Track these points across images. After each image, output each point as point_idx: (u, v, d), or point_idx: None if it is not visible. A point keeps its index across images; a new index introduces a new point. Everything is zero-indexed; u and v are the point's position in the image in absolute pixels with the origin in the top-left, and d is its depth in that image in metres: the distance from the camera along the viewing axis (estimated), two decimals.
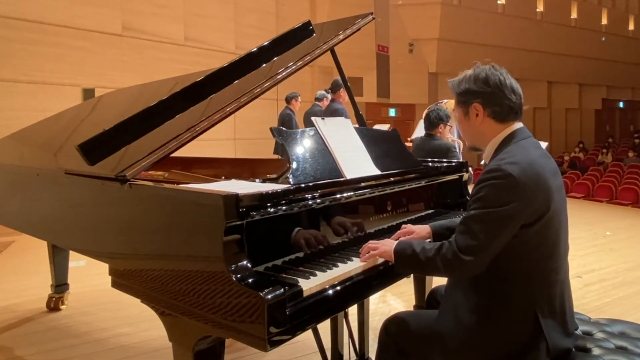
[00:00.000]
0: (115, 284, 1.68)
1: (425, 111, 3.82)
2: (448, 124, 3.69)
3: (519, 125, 1.52)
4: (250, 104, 1.84)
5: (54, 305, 3.25)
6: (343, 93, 5.26)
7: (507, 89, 1.48)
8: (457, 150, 4.34)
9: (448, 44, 12.04)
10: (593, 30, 15.91)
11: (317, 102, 6.03)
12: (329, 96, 5.98)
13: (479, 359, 1.44)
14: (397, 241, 1.54)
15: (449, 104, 4.16)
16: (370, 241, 1.60)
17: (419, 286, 2.58)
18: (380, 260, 1.59)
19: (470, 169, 2.58)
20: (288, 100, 6.33)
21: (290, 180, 1.58)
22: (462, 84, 1.53)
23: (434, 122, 3.62)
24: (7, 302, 3.42)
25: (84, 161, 1.69)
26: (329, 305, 1.37)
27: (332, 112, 5.25)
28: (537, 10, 14.68)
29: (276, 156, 6.03)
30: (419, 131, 5.52)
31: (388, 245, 1.53)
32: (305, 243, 1.54)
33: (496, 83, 1.47)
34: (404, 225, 1.79)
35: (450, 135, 4.16)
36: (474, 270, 1.38)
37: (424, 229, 1.74)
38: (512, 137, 1.49)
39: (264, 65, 2.08)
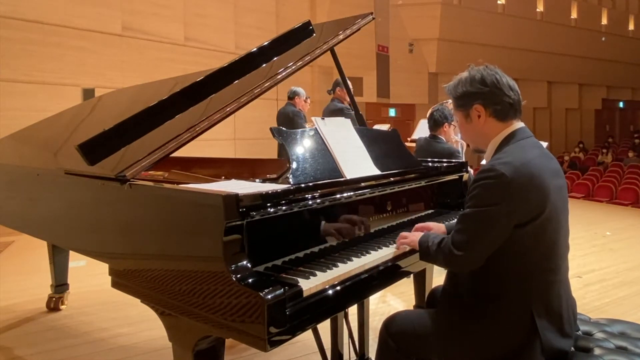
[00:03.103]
0: (115, 284, 1.68)
1: (430, 110, 3.80)
2: (452, 123, 3.67)
3: (519, 125, 1.52)
4: (250, 104, 1.84)
5: (54, 305, 3.25)
6: (341, 92, 5.24)
7: (504, 86, 1.49)
8: (461, 151, 4.34)
9: (448, 44, 12.04)
10: (593, 30, 15.91)
11: (289, 101, 5.85)
12: (303, 95, 5.90)
13: (476, 357, 1.44)
14: (422, 233, 1.63)
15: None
16: (403, 232, 1.72)
17: (419, 286, 2.57)
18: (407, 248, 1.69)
19: (471, 169, 2.58)
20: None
21: (290, 180, 1.58)
22: (459, 88, 1.54)
23: (439, 120, 3.60)
24: (7, 302, 3.42)
25: (84, 161, 1.69)
26: (328, 305, 1.37)
27: (330, 111, 5.24)
28: (537, 10, 14.68)
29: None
30: (420, 131, 5.52)
31: (416, 236, 1.63)
32: (305, 243, 1.54)
33: (493, 82, 1.48)
34: (420, 224, 1.82)
35: (455, 135, 4.15)
36: (469, 264, 1.43)
37: (440, 228, 1.76)
38: (512, 136, 1.49)
39: (264, 65, 2.08)
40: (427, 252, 1.54)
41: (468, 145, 4.25)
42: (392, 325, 1.61)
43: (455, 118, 1.64)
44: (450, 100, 1.72)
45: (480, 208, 1.38)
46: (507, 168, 1.35)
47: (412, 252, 1.69)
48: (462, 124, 1.59)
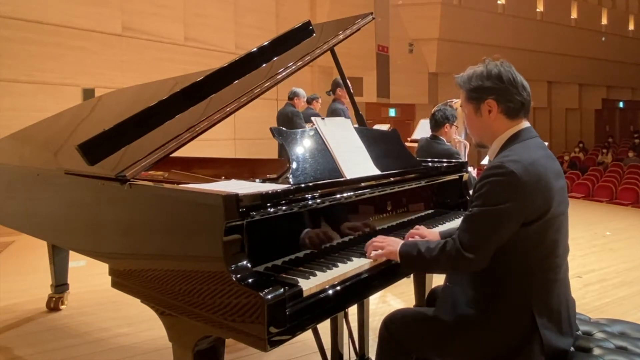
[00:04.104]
0: (115, 284, 1.68)
1: (433, 110, 3.80)
2: (454, 124, 3.67)
3: (526, 124, 1.52)
4: (250, 104, 1.84)
5: (54, 305, 3.25)
6: (341, 92, 5.24)
7: (519, 85, 1.49)
8: (464, 151, 4.33)
9: (448, 44, 12.04)
10: (593, 30, 15.91)
11: (289, 102, 5.92)
12: (303, 97, 5.94)
13: (475, 354, 1.45)
14: (402, 242, 1.55)
15: (458, 104, 4.13)
16: (374, 238, 1.61)
17: (419, 286, 2.58)
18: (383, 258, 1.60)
19: (471, 168, 2.58)
20: (309, 101, 6.32)
21: (290, 180, 1.58)
22: (473, 81, 1.52)
23: (440, 121, 3.60)
24: (7, 302, 3.42)
25: (84, 161, 1.69)
26: (328, 305, 1.37)
27: (330, 112, 5.25)
28: (537, 10, 14.68)
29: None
30: (420, 131, 5.52)
31: (393, 246, 1.55)
32: (305, 243, 1.54)
33: (509, 79, 1.48)
34: (417, 227, 1.80)
35: (457, 135, 4.14)
36: (477, 265, 1.40)
37: (434, 235, 1.75)
38: (519, 135, 1.49)
39: (264, 65, 2.08)
40: (420, 260, 1.47)
41: (471, 145, 4.27)
42: (392, 324, 1.61)
43: (463, 110, 1.62)
44: (455, 100, 1.71)
45: (489, 207, 1.36)
46: (517, 166, 1.34)
47: None
48: (471, 117, 1.57)
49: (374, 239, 1.62)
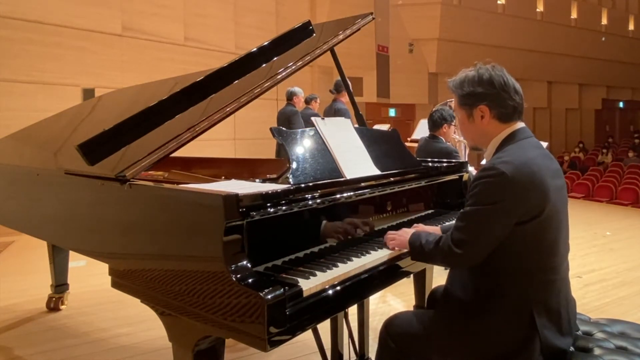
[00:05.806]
0: (115, 284, 1.68)
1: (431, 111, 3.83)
2: (453, 124, 3.68)
3: (520, 125, 1.52)
4: (250, 104, 1.84)
5: (53, 305, 3.25)
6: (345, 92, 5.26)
7: (511, 89, 1.49)
8: (464, 151, 4.34)
9: (448, 44, 12.04)
10: (593, 30, 15.91)
11: (289, 102, 5.95)
12: (301, 95, 5.96)
13: (475, 355, 1.45)
14: (413, 232, 1.62)
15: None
16: (389, 232, 1.70)
17: (419, 286, 2.57)
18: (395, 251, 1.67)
19: (471, 168, 2.58)
20: (308, 101, 6.33)
21: (290, 180, 1.58)
22: (465, 86, 1.52)
23: (437, 122, 3.62)
24: (7, 302, 3.42)
25: (84, 161, 1.69)
26: (328, 305, 1.37)
27: (334, 112, 5.26)
28: (537, 10, 14.68)
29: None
30: (420, 131, 5.54)
31: (404, 236, 1.63)
32: (305, 243, 1.54)
33: (501, 84, 1.48)
34: (415, 225, 1.81)
35: (456, 135, 4.15)
36: (468, 262, 1.45)
37: (435, 231, 1.76)
38: (513, 136, 1.50)
39: (264, 65, 2.08)
40: (421, 251, 1.54)
41: None
42: (392, 326, 1.61)
43: (456, 115, 1.63)
44: (453, 100, 1.71)
45: (481, 206, 1.38)
46: (508, 167, 1.36)
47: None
48: (464, 122, 1.58)
49: (389, 232, 1.71)
